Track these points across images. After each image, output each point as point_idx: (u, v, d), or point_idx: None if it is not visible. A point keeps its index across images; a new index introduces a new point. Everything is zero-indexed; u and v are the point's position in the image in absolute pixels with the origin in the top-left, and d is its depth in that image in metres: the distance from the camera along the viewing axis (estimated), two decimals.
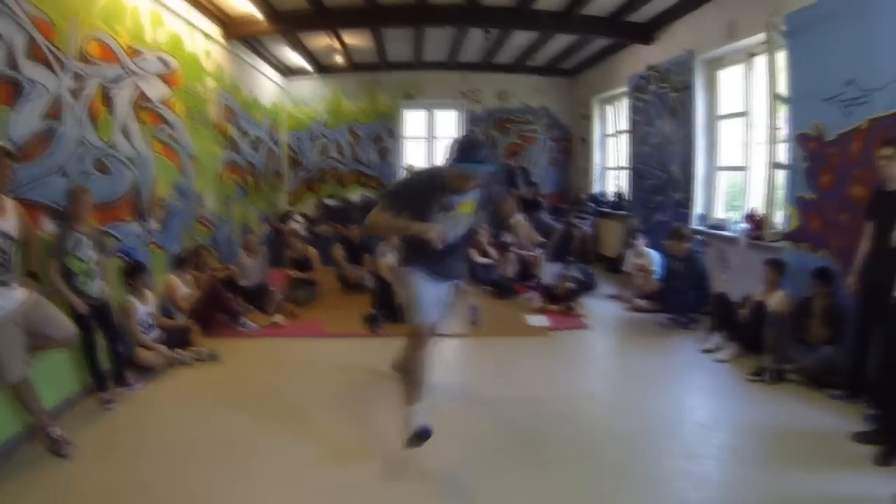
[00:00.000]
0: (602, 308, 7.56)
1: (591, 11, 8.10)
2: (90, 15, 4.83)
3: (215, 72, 7.91)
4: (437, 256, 3.49)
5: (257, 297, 7.19)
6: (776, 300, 5.30)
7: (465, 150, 3.26)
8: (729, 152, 7.43)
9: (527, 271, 8.69)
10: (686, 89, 7.71)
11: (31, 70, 4.07)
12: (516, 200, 10.37)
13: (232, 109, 8.67)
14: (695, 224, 7.59)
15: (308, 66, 11.20)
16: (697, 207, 7.71)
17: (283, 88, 11.98)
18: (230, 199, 8.53)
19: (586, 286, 8.16)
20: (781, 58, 5.68)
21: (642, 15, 8.20)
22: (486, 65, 11.68)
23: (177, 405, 4.56)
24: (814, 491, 3.23)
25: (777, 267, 5.50)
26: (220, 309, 6.38)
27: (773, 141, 5.87)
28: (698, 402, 4.70)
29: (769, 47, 5.71)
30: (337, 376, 4.67)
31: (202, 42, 7.38)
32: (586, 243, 10.44)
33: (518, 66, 11.88)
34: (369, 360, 5.34)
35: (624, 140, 10.39)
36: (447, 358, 5.60)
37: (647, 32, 8.61)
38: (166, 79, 6.28)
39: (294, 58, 10.65)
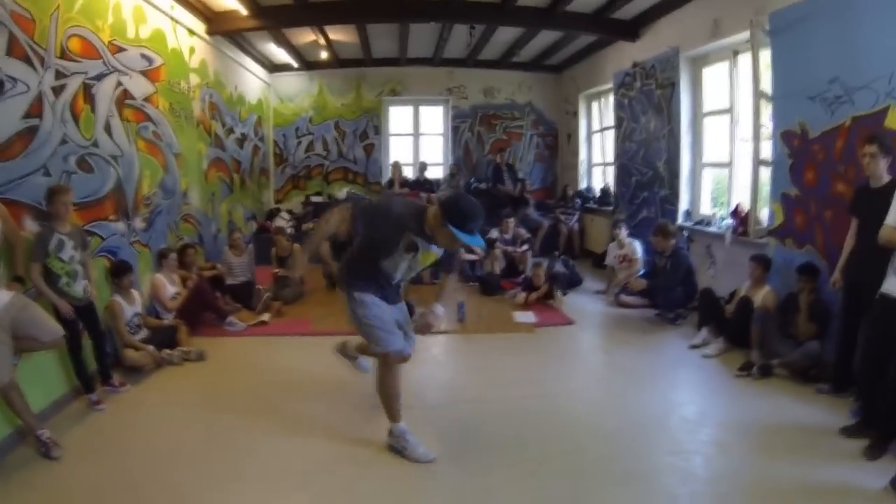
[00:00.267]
0: (588, 304, 7.59)
1: (575, 8, 8.13)
2: (71, 10, 4.76)
3: (199, 68, 7.84)
4: (386, 284, 3.55)
5: (244, 296, 7.18)
6: (762, 296, 5.35)
7: (465, 218, 3.17)
8: (714, 149, 7.48)
9: (513, 267, 8.69)
10: (671, 86, 7.76)
11: (10, 67, 3.99)
12: (503, 197, 10.55)
13: (216, 106, 8.61)
14: (680, 220, 7.64)
15: (293, 62, 11.16)
16: (683, 203, 7.76)
17: (269, 84, 11.92)
18: (216, 196, 8.48)
19: (570, 280, 8.23)
20: (766, 56, 5.71)
21: (627, 12, 8.25)
22: (471, 61, 11.69)
23: (165, 405, 4.52)
24: (801, 484, 3.22)
25: (762, 263, 5.54)
26: (207, 308, 6.35)
27: (757, 138, 5.91)
28: (685, 398, 4.69)
29: (753, 45, 5.73)
30: (324, 374, 4.64)
31: (186, 38, 7.31)
32: (573, 239, 10.53)
33: (503, 62, 11.90)
34: None
35: (610, 136, 10.43)
36: (433, 355, 5.61)
37: (632, 29, 8.67)
38: (149, 75, 6.22)
39: (279, 53, 10.61)
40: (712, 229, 7.02)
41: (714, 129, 7.45)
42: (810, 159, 5.24)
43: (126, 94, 5.69)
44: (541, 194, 12.48)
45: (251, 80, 10.67)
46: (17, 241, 3.82)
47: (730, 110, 6.92)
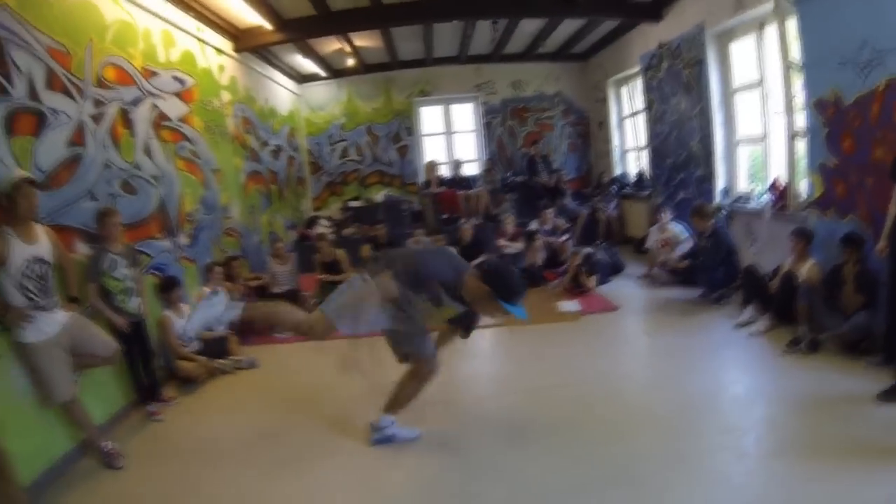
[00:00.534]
0: (631, 289, 7.56)
1: None
2: (104, 41, 4.96)
3: (230, 85, 8.03)
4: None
5: (290, 303, 7.29)
6: (806, 270, 5.23)
7: (513, 293, 3.42)
8: (747, 124, 7.33)
9: (555, 258, 8.68)
10: (699, 64, 7.66)
11: (51, 100, 4.19)
12: (539, 189, 10.56)
13: (249, 120, 8.80)
14: (718, 199, 7.53)
15: (321, 72, 11.32)
16: (720, 182, 7.64)
17: (298, 95, 12.09)
18: (255, 208, 8.67)
19: (613, 267, 8.22)
20: (792, 25, 5.61)
21: None
22: (497, 55, 11.65)
23: (221, 411, 4.71)
24: (856, 458, 3.17)
25: (804, 236, 5.40)
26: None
27: (790, 109, 5.81)
28: (734, 377, 4.67)
29: (778, 15, 5.65)
30: (375, 373, 4.73)
31: (214, 57, 7.50)
32: (612, 226, 10.44)
33: (529, 55, 11.84)
34: None
35: (641, 120, 10.34)
36: (481, 348, 5.68)
37: (654, 10, 8.55)
38: (183, 96, 6.42)
39: (306, 64, 10.77)
40: (751, 206, 6.89)
41: (746, 105, 7.29)
42: (846, 127, 5.10)
43: (162, 116, 5.88)
44: (576, 184, 12.40)
45: (281, 93, 10.85)
46: (69, 264, 4.00)
47: (760, 84, 6.77)
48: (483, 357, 5.46)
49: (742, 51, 7.21)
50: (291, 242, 9.96)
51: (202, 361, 5.38)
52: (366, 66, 11.59)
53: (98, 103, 4.78)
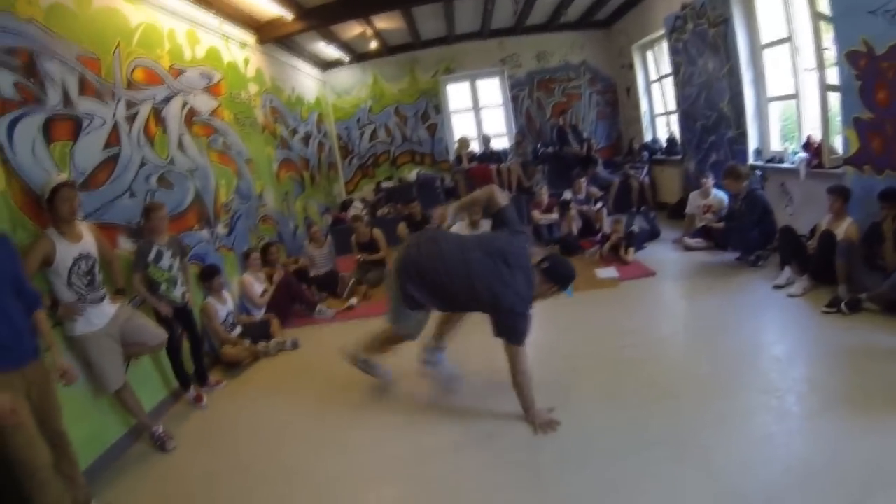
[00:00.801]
0: (667, 254, 7.53)
1: None
2: (130, 44, 5.17)
3: (256, 76, 8.24)
4: None
5: (329, 284, 7.59)
6: (844, 228, 5.13)
7: (570, 279, 3.78)
8: (778, 81, 7.15)
9: (589, 226, 8.68)
10: (724, 22, 7.45)
11: (85, 105, 4.41)
12: (571, 158, 10.54)
13: (277, 110, 9.01)
14: (751, 160, 7.39)
15: (344, 57, 11.44)
16: (752, 142, 7.48)
17: (324, 82, 12.28)
18: (289, 195, 8.90)
19: (651, 233, 8.24)
20: None
21: None
22: (520, 28, 11.62)
23: (266, 393, 4.91)
24: None
25: (841, 194, 5.25)
26: (295, 299, 6.77)
27: (821, 63, 5.67)
28: (774, 339, 4.63)
29: None
30: (415, 350, 4.60)
31: (239, 50, 7.70)
32: (644, 192, 10.37)
33: (552, 25, 11.75)
34: None
35: (669, 84, 10.15)
36: None
37: None
38: (211, 91, 6.64)
39: (329, 50, 10.91)
40: (785, 165, 6.70)
41: (775, 61, 7.09)
42: (880, 78, 4.90)
43: (193, 112, 6.10)
44: (607, 152, 12.30)
45: (307, 81, 11.03)
46: (112, 258, 4.22)
47: (789, 39, 6.54)
48: None
49: (768, 5, 6.97)
50: (326, 226, 10.17)
51: (246, 345, 5.62)
52: (389, 48, 11.70)
53: (130, 104, 4.99)
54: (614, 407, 3.73)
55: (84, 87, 4.42)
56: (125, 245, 4.63)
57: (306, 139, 10.36)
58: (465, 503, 3.06)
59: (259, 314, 6.31)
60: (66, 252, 3.66)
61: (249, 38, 8.09)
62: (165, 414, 4.68)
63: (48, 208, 3.66)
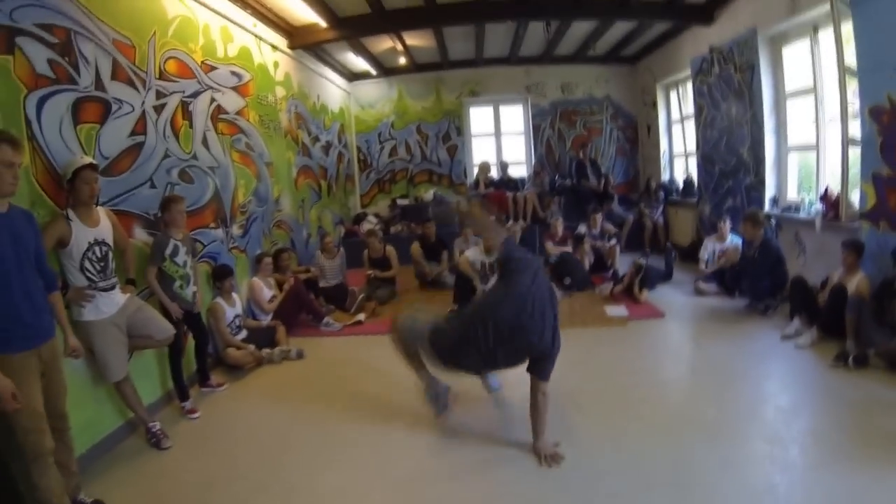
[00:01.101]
0: (677, 296, 7.47)
1: None
2: (166, 35, 5.14)
3: (284, 81, 8.21)
4: None
5: (337, 297, 7.47)
6: (856, 283, 5.09)
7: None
8: (798, 131, 7.15)
9: (602, 262, 8.65)
10: (750, 68, 7.48)
11: (116, 90, 4.36)
12: (587, 193, 10.49)
13: (302, 116, 8.98)
14: (767, 208, 7.36)
15: (372, 70, 11.42)
16: (769, 190, 7.46)
17: (349, 93, 12.27)
18: (305, 203, 8.84)
19: (666, 275, 8.17)
20: (847, 28, 5.43)
21: None
22: (547, 57, 11.63)
23: (268, 400, 4.78)
24: None
25: (855, 248, 5.24)
26: (303, 309, 6.66)
27: (845, 116, 5.63)
28: (779, 389, 4.60)
29: (834, 18, 5.47)
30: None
31: (270, 53, 7.67)
32: (658, 232, 10.37)
33: (579, 57, 11.76)
34: None
35: (690, 125, 10.16)
36: None
37: (706, 13, 8.42)
38: (240, 90, 6.60)
39: (358, 62, 10.89)
40: (801, 216, 6.73)
41: (798, 111, 7.10)
42: None
43: (220, 110, 6.06)
44: (623, 188, 12.27)
45: (332, 90, 11.02)
46: (127, 247, 4.14)
47: (813, 90, 6.56)
48: None
49: (795, 55, 7.02)
50: (339, 238, 10.10)
51: (250, 350, 5.51)
52: (417, 65, 11.69)
53: (160, 95, 4.95)
54: (618, 446, 3.66)
55: (116, 72, 4.37)
56: (140, 235, 4.55)
57: (327, 148, 10.33)
58: None
59: (266, 320, 6.20)
60: (81, 235, 3.59)
61: (281, 41, 8.07)
62: (162, 411, 4.57)
63: (68, 189, 3.60)
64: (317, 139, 9.73)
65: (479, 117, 12.96)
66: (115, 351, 3.79)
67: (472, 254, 7.01)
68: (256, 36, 7.18)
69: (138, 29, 4.70)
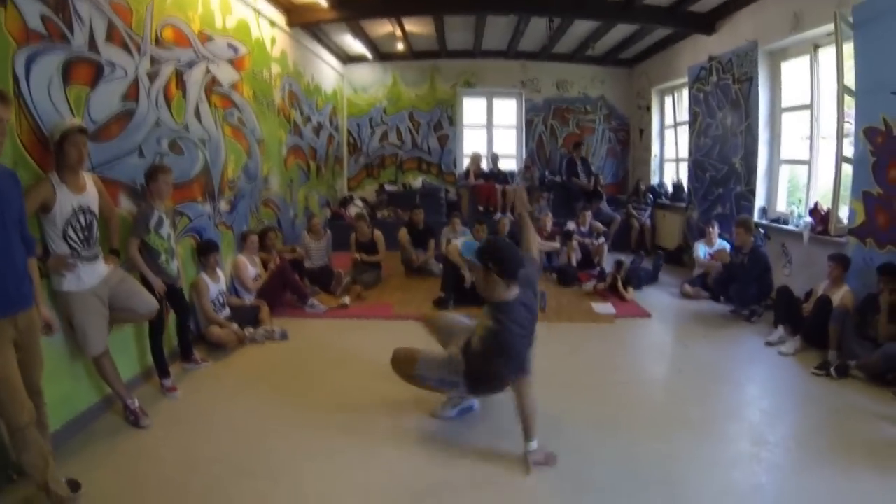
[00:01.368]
0: (663, 298, 7.55)
1: (652, 1, 8.05)
2: (165, 1, 4.97)
3: (280, 58, 8.07)
4: None
5: (322, 280, 7.38)
6: (841, 295, 5.23)
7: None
8: (790, 145, 7.33)
9: (589, 259, 8.71)
10: (749, 81, 7.59)
11: (109, 52, 4.19)
12: (577, 190, 10.48)
13: (295, 95, 8.85)
14: (756, 217, 7.47)
15: (368, 54, 11.33)
16: (759, 201, 7.61)
17: (342, 75, 12.14)
18: (294, 182, 8.73)
19: (652, 277, 8.27)
20: (848, 49, 5.51)
21: (704, 5, 8.10)
22: (545, 54, 11.61)
23: (251, 381, 4.67)
24: (884, 485, 3.19)
25: (842, 262, 5.41)
26: (288, 289, 6.57)
27: (840, 134, 5.70)
28: (764, 392, 4.67)
29: (837, 38, 5.53)
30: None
31: (268, 28, 7.53)
32: (645, 234, 10.46)
33: (577, 56, 11.78)
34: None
35: (683, 131, 10.30)
36: None
37: (708, 22, 8.49)
38: (235, 64, 6.46)
39: (354, 45, 10.79)
40: (789, 227, 6.90)
41: (793, 126, 7.27)
42: (895, 156, 5.06)
43: (214, 81, 5.92)
44: (611, 189, 12.31)
45: (327, 71, 10.89)
46: (112, 216, 3.98)
47: (810, 106, 6.72)
48: None
49: (793, 71, 7.15)
50: (325, 220, 9.99)
51: (233, 328, 5.40)
52: (413, 53, 11.61)
53: (154, 62, 4.80)
54: (609, 444, 3.67)
55: (111, 35, 4.22)
56: (126, 205, 4.40)
57: (318, 129, 10.21)
58: None
59: (249, 298, 6.09)
60: (65, 200, 3.42)
61: (280, 17, 7.94)
62: (141, 388, 4.42)
63: (55, 152, 3.44)
64: (308, 119, 9.60)
65: (473, 108, 12.91)
66: (96, 324, 3.64)
67: (461, 242, 6.93)
68: (255, 10, 7.04)
69: None
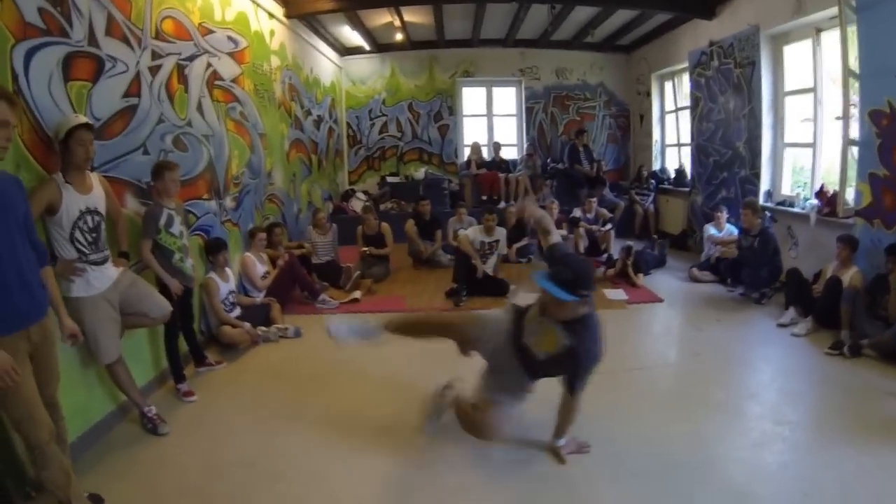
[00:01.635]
0: (671, 283, 7.57)
1: None
2: None
3: (279, 50, 7.93)
4: None
5: (330, 274, 7.29)
6: (850, 276, 5.28)
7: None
8: (793, 129, 7.35)
9: (596, 247, 8.70)
10: (751, 65, 7.58)
11: (110, 46, 4.03)
12: (580, 177, 10.39)
13: (295, 88, 8.71)
14: (762, 201, 7.46)
15: (365, 45, 11.20)
16: (764, 184, 7.61)
17: (340, 67, 12.01)
18: (297, 177, 8.61)
19: (659, 262, 8.29)
20: (852, 33, 5.52)
21: None
22: (543, 41, 11.54)
23: (269, 382, 4.57)
24: None
25: (850, 243, 5.43)
26: (298, 285, 6.49)
27: (846, 117, 5.71)
28: (780, 373, 4.71)
29: (841, 22, 5.53)
30: (428, 350, 4.55)
31: (266, 21, 7.38)
32: (648, 219, 10.46)
33: (575, 43, 11.72)
34: None
35: (683, 116, 10.36)
36: None
37: (708, 7, 8.43)
38: (236, 57, 6.31)
39: (352, 36, 10.65)
40: (795, 210, 6.94)
41: (796, 109, 7.28)
42: None
43: (215, 75, 5.78)
44: (613, 175, 12.28)
45: (325, 63, 10.75)
46: (119, 217, 3.84)
47: (813, 89, 6.72)
48: None
49: (795, 55, 7.15)
50: (328, 214, 9.85)
51: (246, 328, 5.28)
52: (411, 43, 11.49)
53: (155, 55, 4.64)
54: (636, 428, 3.71)
55: (111, 28, 4.05)
56: (132, 205, 4.25)
57: (318, 122, 10.08)
58: None
59: (259, 297, 5.96)
60: (72, 202, 3.27)
61: (278, 9, 7.76)
62: (155, 393, 4.29)
63: (61, 150, 3.29)
64: (309, 112, 9.47)
65: (472, 98, 12.83)
66: (108, 330, 3.49)
67: (472, 232, 7.06)
68: (254, 2, 6.88)
69: None
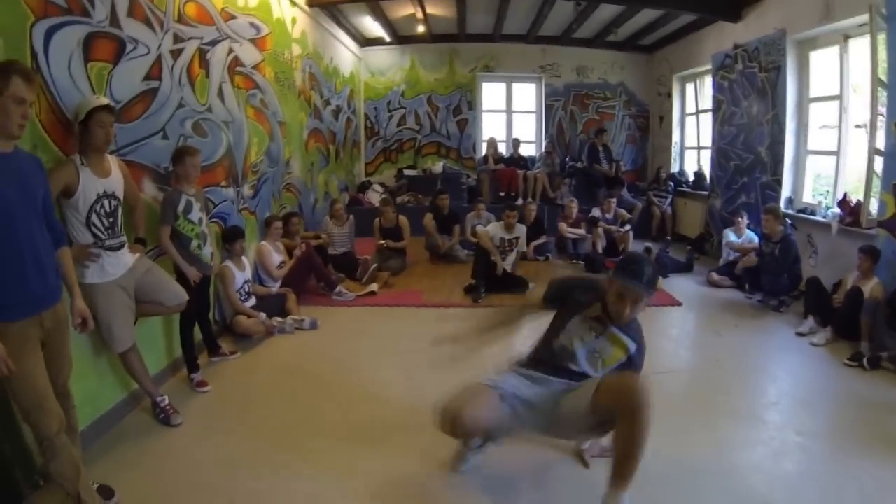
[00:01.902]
0: (690, 287, 7.46)
1: None
2: None
3: (300, 38, 7.86)
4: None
5: (346, 266, 7.23)
6: (870, 287, 5.18)
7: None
8: (816, 136, 7.24)
9: (614, 247, 8.59)
10: (776, 70, 7.43)
11: (132, 28, 3.95)
12: (598, 177, 10.31)
13: (315, 77, 8.65)
14: (782, 207, 7.29)
15: (386, 36, 11.14)
16: (785, 191, 7.49)
17: (360, 58, 11.93)
18: (314, 166, 8.55)
19: (686, 269, 8.19)
20: (882, 41, 5.42)
21: None
22: (565, 39, 11.46)
23: (285, 373, 4.50)
24: None
25: (872, 254, 5.32)
26: (315, 277, 6.43)
27: (873, 127, 5.62)
28: (800, 383, 4.66)
29: (872, 30, 5.44)
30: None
31: (288, 8, 7.31)
32: (666, 222, 10.37)
33: (597, 41, 11.62)
34: None
35: (703, 119, 10.25)
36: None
37: (734, 9, 8.28)
38: (258, 43, 6.24)
39: (373, 27, 10.59)
40: (816, 218, 6.81)
41: (820, 116, 7.16)
42: None
43: (237, 62, 5.71)
44: (632, 176, 12.15)
45: (344, 54, 10.68)
46: (137, 202, 3.76)
47: (839, 97, 6.58)
48: None
49: (821, 61, 7.03)
50: (344, 205, 9.80)
51: (261, 318, 5.22)
52: (432, 35, 11.40)
53: (177, 39, 4.57)
54: (656, 434, 3.45)
55: (133, 9, 3.97)
56: (150, 190, 4.18)
57: (337, 112, 10.02)
58: None
59: (274, 287, 5.90)
60: (90, 185, 3.19)
61: None
62: (167, 382, 4.23)
63: (80, 132, 3.21)
64: (328, 102, 9.41)
65: (492, 93, 12.71)
66: (122, 317, 3.42)
67: (492, 228, 7.00)
68: None
69: None
